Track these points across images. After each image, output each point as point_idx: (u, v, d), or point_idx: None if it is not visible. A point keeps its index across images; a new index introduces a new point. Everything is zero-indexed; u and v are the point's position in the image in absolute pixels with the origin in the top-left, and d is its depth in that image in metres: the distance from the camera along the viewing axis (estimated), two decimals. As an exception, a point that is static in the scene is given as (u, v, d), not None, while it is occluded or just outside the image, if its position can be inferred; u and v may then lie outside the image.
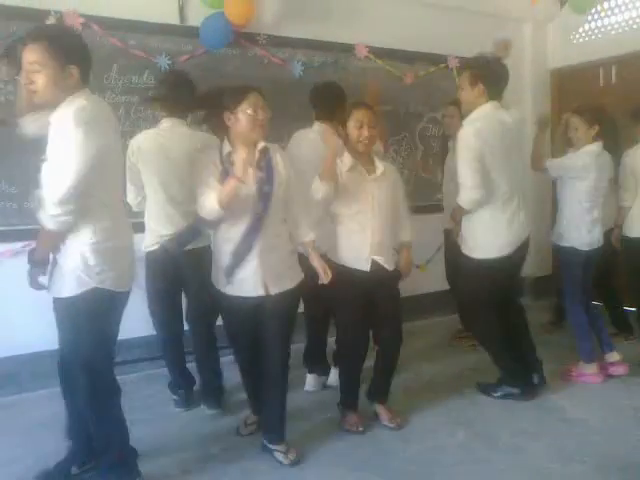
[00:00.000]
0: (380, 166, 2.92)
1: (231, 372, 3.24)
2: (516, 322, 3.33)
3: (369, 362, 3.03)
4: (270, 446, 2.72)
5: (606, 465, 2.61)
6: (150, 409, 3.26)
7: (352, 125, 2.83)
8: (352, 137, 2.85)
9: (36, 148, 2.20)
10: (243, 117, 2.47)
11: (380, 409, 3.08)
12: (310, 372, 3.53)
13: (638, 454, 2.71)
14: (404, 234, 3.05)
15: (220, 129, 2.60)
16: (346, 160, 2.87)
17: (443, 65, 5.04)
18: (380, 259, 2.88)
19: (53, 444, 2.65)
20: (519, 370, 3.29)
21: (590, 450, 2.74)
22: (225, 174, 2.46)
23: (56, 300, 2.23)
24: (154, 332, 3.24)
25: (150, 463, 2.60)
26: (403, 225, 3.05)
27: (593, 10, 5.18)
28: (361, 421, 2.99)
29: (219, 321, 2.95)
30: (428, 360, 3.13)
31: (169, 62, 3.89)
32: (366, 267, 2.87)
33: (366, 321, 2.95)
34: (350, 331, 2.96)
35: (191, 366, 3.31)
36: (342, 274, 2.79)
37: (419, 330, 4.49)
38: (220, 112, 2.52)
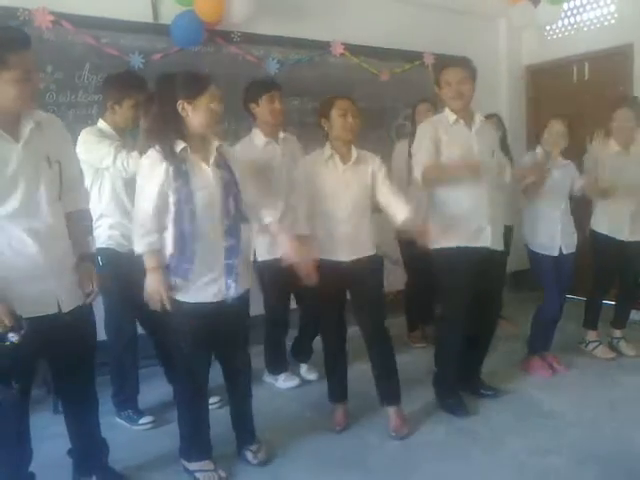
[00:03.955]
0: (354, 154, 2.84)
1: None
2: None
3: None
4: (243, 446, 2.68)
5: (584, 458, 2.64)
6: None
7: (336, 114, 2.78)
8: (336, 125, 2.79)
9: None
10: (204, 111, 2.29)
11: (390, 412, 2.94)
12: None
13: (615, 446, 2.74)
14: (400, 214, 2.79)
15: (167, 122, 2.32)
16: (326, 150, 2.84)
17: (419, 62, 5.06)
18: (351, 250, 2.82)
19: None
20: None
21: (568, 443, 2.77)
22: (179, 174, 2.26)
23: None
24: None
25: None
26: (395, 206, 2.82)
27: (566, 7, 5.23)
28: (344, 419, 2.98)
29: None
30: (407, 354, 3.13)
31: (142, 60, 3.83)
32: (343, 257, 2.81)
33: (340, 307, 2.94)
34: (324, 318, 2.99)
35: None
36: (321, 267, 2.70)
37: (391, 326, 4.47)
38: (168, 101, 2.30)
